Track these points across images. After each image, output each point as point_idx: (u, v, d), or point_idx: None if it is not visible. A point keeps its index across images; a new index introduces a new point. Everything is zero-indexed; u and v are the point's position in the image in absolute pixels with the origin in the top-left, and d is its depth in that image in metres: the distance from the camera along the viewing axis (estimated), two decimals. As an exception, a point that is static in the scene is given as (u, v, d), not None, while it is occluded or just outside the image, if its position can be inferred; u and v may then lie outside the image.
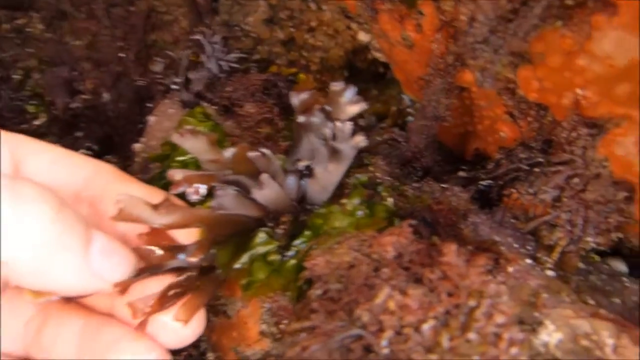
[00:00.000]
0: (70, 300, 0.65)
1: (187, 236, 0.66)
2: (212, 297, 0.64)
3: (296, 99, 0.69)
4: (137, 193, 0.70)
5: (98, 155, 1.39)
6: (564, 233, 0.65)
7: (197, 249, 0.63)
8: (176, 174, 0.65)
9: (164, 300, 0.62)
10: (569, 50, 0.58)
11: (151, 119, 1.12)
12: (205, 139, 0.65)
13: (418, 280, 0.49)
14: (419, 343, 0.45)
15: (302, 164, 0.72)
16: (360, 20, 1.30)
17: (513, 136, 0.79)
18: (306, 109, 0.69)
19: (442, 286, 0.47)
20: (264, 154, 0.67)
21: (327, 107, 0.68)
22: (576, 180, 0.63)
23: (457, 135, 0.94)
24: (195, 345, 0.76)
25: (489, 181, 0.75)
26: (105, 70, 1.45)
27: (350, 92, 0.70)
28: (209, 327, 0.70)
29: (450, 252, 0.49)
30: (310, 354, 0.47)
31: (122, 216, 0.62)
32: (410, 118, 1.44)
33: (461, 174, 0.91)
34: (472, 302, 0.47)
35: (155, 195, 0.72)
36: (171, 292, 0.62)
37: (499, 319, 0.46)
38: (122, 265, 0.61)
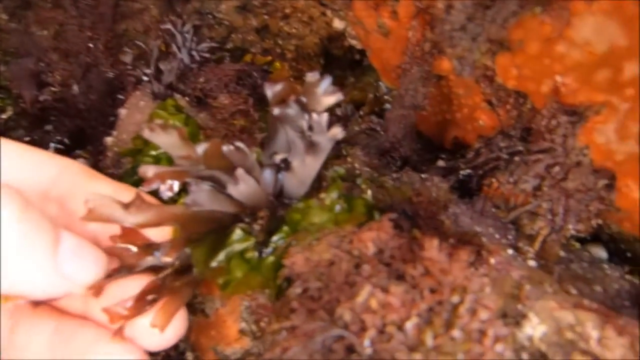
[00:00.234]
0: (41, 303, 0.63)
1: (160, 235, 0.64)
2: (189, 299, 0.62)
3: (270, 90, 0.67)
4: (107, 191, 0.68)
5: (69, 149, 1.36)
6: (546, 222, 0.64)
7: (171, 247, 0.61)
8: (148, 170, 0.62)
9: (140, 304, 0.60)
10: (548, 36, 0.57)
11: (122, 111, 1.09)
12: (176, 133, 0.62)
13: (400, 277, 0.48)
14: (402, 342, 0.44)
15: (278, 158, 0.70)
16: (335, 7, 1.27)
17: (492, 124, 0.78)
18: (281, 101, 0.67)
19: (425, 282, 0.46)
20: (238, 148, 0.65)
21: (303, 99, 0.66)
22: (557, 168, 0.62)
23: (435, 123, 0.93)
24: (173, 345, 0.74)
25: (469, 170, 0.74)
26: (74, 61, 1.40)
27: (325, 83, 0.68)
28: (188, 327, 0.68)
29: (432, 247, 0.48)
30: (290, 356, 0.46)
31: (92, 216, 0.59)
32: (387, 105, 1.43)
33: (440, 163, 0.90)
34: (455, 299, 0.46)
35: (126, 192, 0.69)
36: (148, 296, 0.61)
37: (483, 314, 0.45)
38: (92, 266, 0.59)
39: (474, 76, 0.67)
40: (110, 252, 0.62)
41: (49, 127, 1.41)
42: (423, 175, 0.74)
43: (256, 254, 0.63)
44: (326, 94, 0.69)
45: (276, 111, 0.66)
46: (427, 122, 0.94)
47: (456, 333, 0.44)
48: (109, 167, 1.06)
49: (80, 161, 1.13)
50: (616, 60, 0.56)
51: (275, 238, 0.63)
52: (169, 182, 0.61)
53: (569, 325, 0.52)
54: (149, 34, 1.41)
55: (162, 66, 1.02)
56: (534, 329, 0.51)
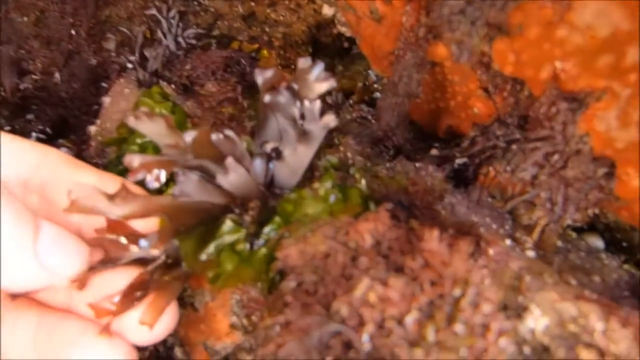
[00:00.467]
0: (21, 297, 0.61)
1: (147, 227, 0.62)
2: (178, 294, 0.60)
3: (261, 76, 0.65)
4: (90, 180, 0.66)
5: (52, 138, 1.32)
6: (544, 212, 0.62)
7: (158, 239, 0.59)
8: (133, 160, 0.60)
9: (128, 299, 0.58)
10: (548, 21, 0.55)
11: (106, 100, 1.06)
12: (163, 121, 0.60)
13: (399, 269, 0.46)
14: (403, 337, 0.43)
15: (269, 146, 0.67)
16: (325, -7, 1.24)
17: (487, 112, 0.77)
18: (272, 88, 0.65)
19: (425, 275, 0.44)
20: (227, 137, 0.63)
21: (294, 85, 0.64)
22: (556, 157, 0.61)
23: (428, 112, 0.91)
24: (162, 339, 0.72)
25: (464, 159, 0.72)
26: (56, 49, 1.37)
27: (318, 69, 0.66)
28: (177, 321, 0.66)
29: (432, 239, 0.46)
30: (285, 352, 0.44)
31: (76, 208, 0.57)
32: (377, 94, 1.41)
33: (433, 152, 0.88)
34: (457, 292, 0.44)
35: (111, 181, 0.67)
36: (135, 291, 0.58)
37: (486, 307, 0.44)
38: (73, 256, 0.57)
39: (471, 62, 0.65)
40: (94, 243, 0.59)
41: (30, 116, 1.38)
42: (417, 165, 0.72)
43: (247, 246, 0.60)
44: (318, 81, 0.66)
45: (267, 98, 0.64)
46: (419, 111, 0.92)
47: (459, 327, 0.42)
48: (92, 157, 1.04)
49: (63, 150, 1.10)
50: (619, 45, 0.54)
51: (266, 229, 0.61)
52: (156, 172, 0.59)
53: (571, 317, 0.51)
54: (133, 21, 1.38)
55: (147, 53, 0.99)
56: (536, 321, 0.50)
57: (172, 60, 1.00)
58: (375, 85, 1.43)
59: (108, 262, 0.60)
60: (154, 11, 1.01)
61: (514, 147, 0.66)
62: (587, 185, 0.61)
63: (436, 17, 0.62)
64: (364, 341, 0.42)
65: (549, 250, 0.68)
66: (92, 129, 1.09)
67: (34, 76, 1.38)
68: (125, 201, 0.59)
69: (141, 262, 0.61)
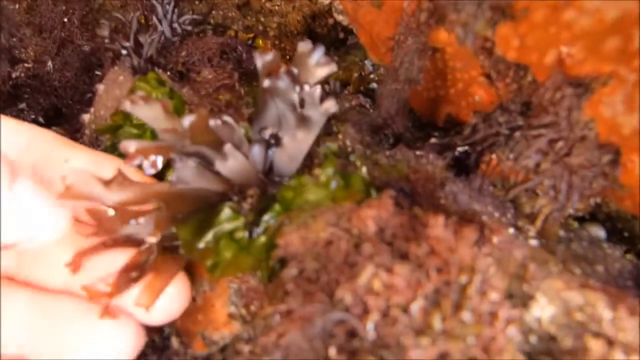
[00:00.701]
0: (10, 279, 0.59)
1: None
2: (175, 277, 0.58)
3: (260, 60, 0.63)
4: (84, 159, 0.65)
5: (45, 127, 1.30)
6: (548, 200, 0.61)
7: (155, 227, 0.57)
8: (129, 146, 0.58)
9: (123, 281, 0.56)
10: (555, 3, 0.54)
11: (100, 87, 1.04)
12: (160, 106, 0.59)
13: (403, 256, 0.45)
14: (408, 325, 0.41)
15: (268, 133, 0.66)
16: (322, -19, 1.23)
17: (489, 100, 0.76)
18: (271, 72, 0.63)
19: (430, 262, 0.43)
20: (225, 122, 0.62)
21: (294, 70, 0.62)
22: (560, 144, 0.60)
23: (426, 100, 0.90)
24: (157, 329, 0.71)
25: (465, 147, 0.71)
26: (48, 37, 1.34)
27: (318, 53, 0.64)
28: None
29: (438, 225, 0.45)
30: (288, 341, 0.43)
31: (71, 194, 0.55)
32: (374, 85, 1.40)
33: (433, 140, 0.87)
34: (463, 279, 0.43)
35: (104, 161, 0.66)
36: (131, 272, 0.57)
37: (493, 295, 0.42)
38: (49, 202, 0.56)
39: (476, 46, 0.64)
40: (88, 214, 0.58)
41: (22, 106, 1.36)
42: (418, 152, 0.71)
43: (246, 234, 0.59)
44: (319, 65, 0.65)
45: (266, 83, 0.62)
46: (418, 99, 0.91)
47: (466, 315, 0.41)
48: (86, 145, 1.02)
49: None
50: (626, 29, 0.53)
51: (266, 217, 0.59)
52: (152, 157, 0.57)
53: (577, 306, 0.50)
54: (127, 8, 1.36)
55: (141, 39, 0.97)
56: (542, 310, 0.49)
57: (168, 46, 0.98)
58: (372, 76, 1.42)
59: (103, 235, 0.59)
60: (149, -3, 0.99)
61: (516, 134, 0.65)
62: (591, 172, 0.60)
63: (442, -2, 0.61)
64: (369, 330, 0.41)
65: (552, 239, 0.67)
66: (86, 117, 1.07)
67: (26, 65, 1.36)
68: (121, 187, 0.57)
69: (136, 242, 0.60)
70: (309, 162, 0.68)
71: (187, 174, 0.62)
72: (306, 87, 0.61)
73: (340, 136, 0.77)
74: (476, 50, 0.67)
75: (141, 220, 0.60)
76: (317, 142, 0.68)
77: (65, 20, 1.35)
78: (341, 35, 1.53)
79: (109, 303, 0.56)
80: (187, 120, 0.56)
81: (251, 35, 1.47)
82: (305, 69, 0.65)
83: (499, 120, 0.66)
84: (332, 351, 0.42)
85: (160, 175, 0.67)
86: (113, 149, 0.78)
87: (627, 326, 0.45)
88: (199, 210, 0.62)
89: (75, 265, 0.57)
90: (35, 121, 1.34)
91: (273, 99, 0.64)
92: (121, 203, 0.57)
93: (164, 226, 0.57)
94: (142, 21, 1.01)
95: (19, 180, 0.55)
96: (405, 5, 0.71)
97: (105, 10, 1.36)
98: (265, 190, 0.64)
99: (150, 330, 0.62)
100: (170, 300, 0.57)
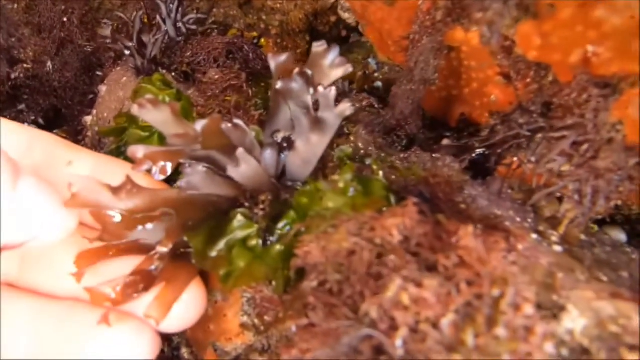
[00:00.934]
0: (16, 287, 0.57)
1: None
2: (189, 285, 0.56)
3: (274, 62, 0.61)
4: (87, 161, 0.63)
5: (44, 129, 1.28)
6: (573, 204, 0.59)
7: (166, 237, 0.55)
8: (138, 151, 0.56)
9: (130, 289, 0.54)
10: (584, 1, 0.52)
11: (102, 88, 1.01)
12: (168, 109, 0.56)
13: (430, 268, 0.43)
14: (439, 342, 0.39)
15: (280, 136, 0.64)
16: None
17: (506, 100, 0.73)
18: (285, 74, 0.61)
19: (461, 274, 0.41)
20: (237, 125, 0.59)
21: (308, 71, 0.60)
22: (585, 146, 0.58)
23: (439, 100, 0.88)
24: (167, 338, 0.68)
25: (484, 149, 0.69)
26: (48, 37, 1.32)
27: (333, 54, 0.62)
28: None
29: (468, 235, 0.42)
30: (313, 358, 0.40)
31: (77, 202, 0.53)
32: (378, 83, 1.37)
33: (445, 142, 0.85)
34: (495, 292, 0.41)
35: (108, 164, 0.64)
36: (138, 280, 0.54)
37: (527, 309, 0.40)
38: (55, 200, 0.54)
39: (498, 45, 0.62)
40: (94, 217, 0.56)
41: (22, 107, 1.34)
42: (434, 155, 0.69)
43: (260, 242, 0.57)
44: (334, 66, 0.63)
45: (279, 85, 0.60)
46: (430, 98, 0.89)
47: (500, 331, 0.39)
48: (89, 148, 1.00)
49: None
50: (659, 26, 0.51)
51: (280, 225, 0.57)
52: (162, 163, 0.55)
53: (610, 317, 0.48)
54: (127, 7, 1.33)
55: (145, 39, 0.95)
56: (574, 322, 0.47)
57: (172, 46, 0.96)
58: (376, 74, 1.39)
59: (106, 238, 0.56)
60: (152, -5, 0.97)
61: (538, 136, 0.63)
62: (617, 176, 0.58)
63: (467, -5, 0.58)
64: (398, 346, 0.39)
65: (573, 244, 0.65)
66: (88, 119, 1.05)
67: (25, 65, 1.33)
68: (130, 195, 0.55)
69: (145, 247, 0.57)
70: (322, 166, 0.66)
71: (197, 180, 0.60)
72: (320, 89, 0.58)
73: (352, 138, 0.75)
74: (495, 49, 0.65)
75: (149, 226, 0.58)
76: (331, 145, 0.66)
77: (65, 19, 1.32)
78: (344, 33, 1.51)
79: (112, 309, 0.53)
80: (200, 124, 0.53)
81: (254, 34, 1.45)
82: (319, 70, 0.63)
83: (519, 121, 0.64)
84: (358, 368, 0.40)
85: (168, 179, 0.65)
86: (119, 152, 0.75)
87: (665, 339, 0.43)
88: (210, 217, 0.60)
89: (80, 273, 0.55)
90: (35, 122, 1.32)
91: (286, 101, 0.62)
92: (130, 211, 0.55)
93: (175, 235, 0.54)
94: (145, 20, 0.98)
95: (23, 178, 0.53)
96: (420, 2, 0.68)
97: (105, 9, 1.33)
98: (278, 195, 0.62)
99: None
100: (186, 308, 0.55)
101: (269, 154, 0.63)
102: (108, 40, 1.00)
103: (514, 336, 0.39)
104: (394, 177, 0.62)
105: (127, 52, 0.96)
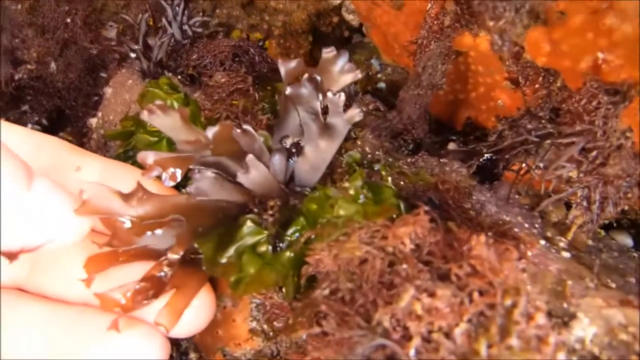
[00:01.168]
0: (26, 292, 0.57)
1: None
2: (198, 291, 0.56)
3: (284, 67, 0.61)
4: (95, 166, 0.63)
5: (48, 130, 1.28)
6: (581, 211, 0.59)
7: (177, 243, 0.55)
8: (148, 157, 0.56)
9: (140, 296, 0.54)
10: (595, 8, 0.52)
11: (107, 90, 1.01)
12: (178, 115, 0.56)
13: (442, 277, 0.43)
14: (452, 351, 0.39)
15: (289, 141, 0.64)
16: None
17: (512, 105, 0.74)
18: (294, 79, 0.61)
19: (473, 283, 0.41)
20: (246, 131, 0.59)
21: (317, 77, 0.60)
22: (594, 153, 0.58)
23: (445, 103, 0.88)
24: (175, 343, 0.68)
25: (491, 154, 0.69)
26: (51, 37, 1.32)
27: (343, 60, 0.62)
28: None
29: (480, 244, 0.43)
30: (324, 367, 0.41)
31: (89, 209, 0.53)
32: (381, 84, 1.37)
33: (451, 145, 0.85)
34: (508, 301, 0.41)
35: (116, 169, 0.64)
36: (148, 286, 0.55)
37: (540, 319, 0.40)
38: (69, 202, 0.54)
39: (510, 52, 0.62)
40: (103, 222, 0.56)
41: (25, 107, 1.34)
42: (443, 160, 0.69)
43: (269, 248, 0.57)
44: (343, 72, 0.63)
45: (288, 90, 0.60)
46: (436, 102, 0.89)
47: (513, 341, 0.39)
48: (94, 150, 1.00)
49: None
50: (669, 34, 0.51)
51: (290, 231, 0.57)
52: (171, 169, 0.55)
53: (620, 324, 0.48)
54: (130, 8, 1.33)
55: (150, 42, 0.95)
56: (585, 330, 0.47)
57: (178, 49, 0.96)
58: (379, 75, 1.39)
59: (116, 244, 0.56)
60: (158, -2, 0.97)
61: (546, 142, 0.63)
62: (626, 183, 0.58)
63: (479, 3, 0.58)
64: (411, 356, 0.39)
65: (581, 249, 0.65)
66: (93, 121, 1.05)
67: (28, 66, 1.33)
68: (140, 202, 0.55)
69: (155, 253, 0.58)
70: (330, 171, 0.66)
71: (206, 185, 0.60)
72: (330, 95, 0.58)
73: (359, 142, 0.75)
74: (506, 56, 0.65)
75: (158, 232, 0.58)
76: (339, 150, 0.66)
77: (68, 20, 1.32)
78: (346, 33, 1.51)
79: (122, 315, 0.54)
80: (212, 131, 0.53)
81: (258, 35, 1.44)
82: (329, 76, 0.63)
83: (527, 127, 0.64)
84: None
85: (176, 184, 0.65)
86: (125, 156, 0.75)
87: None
88: (219, 223, 0.60)
89: (90, 278, 0.55)
90: (38, 123, 1.32)
91: (295, 107, 0.62)
92: (140, 217, 0.55)
93: (186, 242, 0.55)
94: (151, 23, 0.98)
95: (37, 179, 0.53)
96: (428, 7, 0.69)
97: (109, 10, 1.33)
98: (287, 201, 0.62)
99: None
100: (196, 314, 0.55)
101: (277, 160, 0.63)
102: (113, 43, 1.00)
103: (527, 346, 0.39)
104: (402, 182, 0.62)
105: (132, 55, 0.96)
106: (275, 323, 0.58)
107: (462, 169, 0.69)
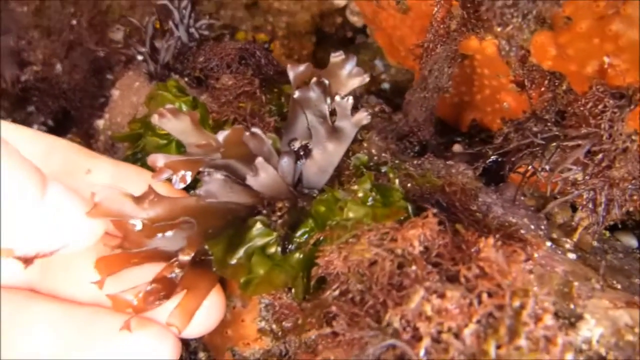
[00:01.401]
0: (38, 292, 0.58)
1: None
2: (208, 295, 0.57)
3: (292, 72, 0.62)
4: (106, 168, 0.63)
5: (54, 131, 1.29)
6: (587, 213, 0.60)
7: (188, 245, 0.56)
8: (158, 160, 0.57)
9: (151, 297, 0.55)
10: (601, 14, 0.53)
11: (114, 92, 1.02)
12: (188, 119, 0.57)
13: (451, 278, 0.44)
14: (461, 351, 0.40)
15: (297, 144, 0.65)
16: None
17: (518, 107, 0.74)
18: (303, 83, 0.62)
19: (482, 285, 0.42)
20: (254, 134, 0.60)
21: (325, 81, 0.61)
22: (600, 156, 0.58)
23: (450, 105, 0.89)
24: (184, 342, 0.69)
25: (497, 157, 0.70)
26: (57, 39, 1.32)
27: (351, 64, 0.63)
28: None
29: (489, 247, 0.43)
30: (335, 368, 0.41)
31: (101, 211, 0.54)
32: (385, 85, 1.38)
33: (456, 147, 0.85)
34: (516, 303, 0.42)
35: (127, 172, 0.64)
36: (159, 288, 0.55)
37: (548, 320, 0.41)
38: (82, 206, 0.53)
39: (518, 57, 0.63)
40: (114, 225, 0.56)
41: (31, 109, 1.34)
42: (449, 162, 0.70)
43: (279, 249, 0.58)
44: (351, 76, 0.64)
45: (297, 94, 0.61)
46: (442, 104, 0.90)
47: (522, 342, 0.40)
48: (101, 152, 1.00)
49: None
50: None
51: (299, 233, 0.58)
52: (182, 172, 0.56)
53: (627, 325, 0.49)
54: (135, 10, 1.34)
55: (157, 45, 0.96)
56: (591, 330, 0.48)
57: (184, 52, 0.96)
58: (383, 76, 1.40)
59: (127, 246, 0.57)
60: (165, 0, 0.97)
61: (552, 144, 0.63)
62: (632, 185, 0.59)
63: (487, 9, 0.59)
64: (421, 356, 0.40)
65: (586, 250, 0.65)
66: (100, 123, 1.06)
67: (34, 67, 1.34)
68: (152, 204, 0.56)
69: (165, 255, 0.58)
70: (338, 174, 0.67)
71: (215, 188, 0.61)
72: (337, 98, 0.59)
73: (365, 144, 0.76)
74: (513, 61, 0.65)
75: (168, 233, 0.59)
76: (347, 152, 0.66)
77: (74, 22, 1.33)
78: (349, 34, 1.52)
79: (134, 316, 0.55)
80: (223, 135, 0.54)
81: (262, 36, 1.45)
82: (337, 80, 0.64)
83: (533, 129, 0.65)
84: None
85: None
86: (134, 159, 0.76)
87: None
88: (229, 225, 0.60)
89: (102, 280, 0.55)
90: (44, 124, 1.33)
91: (303, 110, 0.63)
92: (151, 219, 0.56)
93: (196, 243, 0.55)
94: (157, 26, 0.99)
95: (51, 185, 0.53)
96: (434, 11, 0.69)
97: (114, 12, 1.34)
98: (295, 203, 0.63)
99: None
100: (206, 315, 0.56)
101: (286, 162, 0.63)
102: (120, 45, 1.00)
103: (536, 347, 0.40)
104: (409, 185, 0.63)
105: (140, 57, 0.97)
106: (284, 323, 0.59)
107: (468, 171, 0.70)
